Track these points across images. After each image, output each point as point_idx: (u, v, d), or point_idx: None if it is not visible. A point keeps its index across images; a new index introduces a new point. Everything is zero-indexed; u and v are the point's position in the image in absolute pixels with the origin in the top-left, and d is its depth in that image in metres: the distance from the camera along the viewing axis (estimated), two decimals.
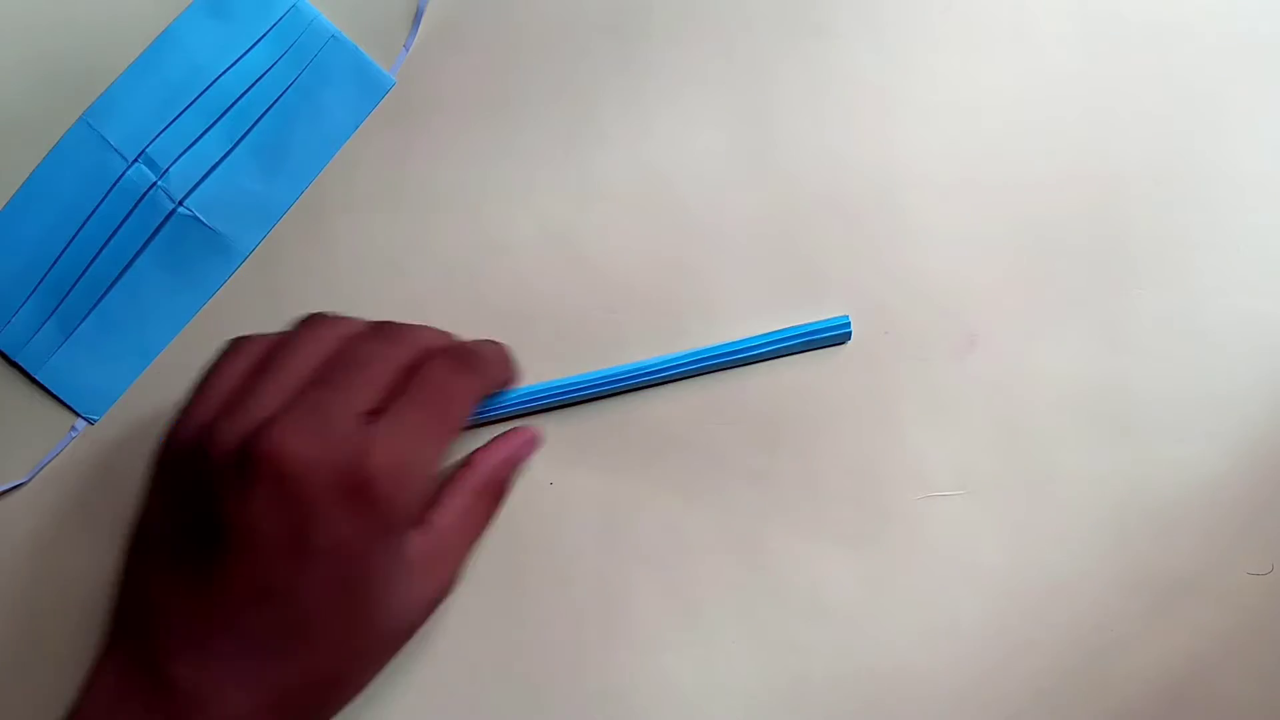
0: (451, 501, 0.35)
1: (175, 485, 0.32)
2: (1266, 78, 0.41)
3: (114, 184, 0.38)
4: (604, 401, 0.39)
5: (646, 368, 0.38)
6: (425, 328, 0.35)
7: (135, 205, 0.38)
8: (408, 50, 0.39)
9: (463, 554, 0.35)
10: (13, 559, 0.39)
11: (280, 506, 0.29)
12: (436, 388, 0.32)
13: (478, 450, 0.37)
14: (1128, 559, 0.40)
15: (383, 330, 0.34)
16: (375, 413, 0.31)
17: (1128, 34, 0.41)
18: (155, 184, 0.38)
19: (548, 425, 0.39)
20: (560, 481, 0.39)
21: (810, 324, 0.38)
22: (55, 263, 0.38)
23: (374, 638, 0.31)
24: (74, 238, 0.38)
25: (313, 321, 0.34)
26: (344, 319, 0.34)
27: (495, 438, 0.37)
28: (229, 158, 0.38)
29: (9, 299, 0.38)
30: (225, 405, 0.32)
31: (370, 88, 0.39)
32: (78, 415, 0.39)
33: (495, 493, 0.36)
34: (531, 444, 0.38)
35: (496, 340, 0.38)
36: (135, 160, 0.38)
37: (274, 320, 0.39)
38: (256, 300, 0.39)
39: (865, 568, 0.39)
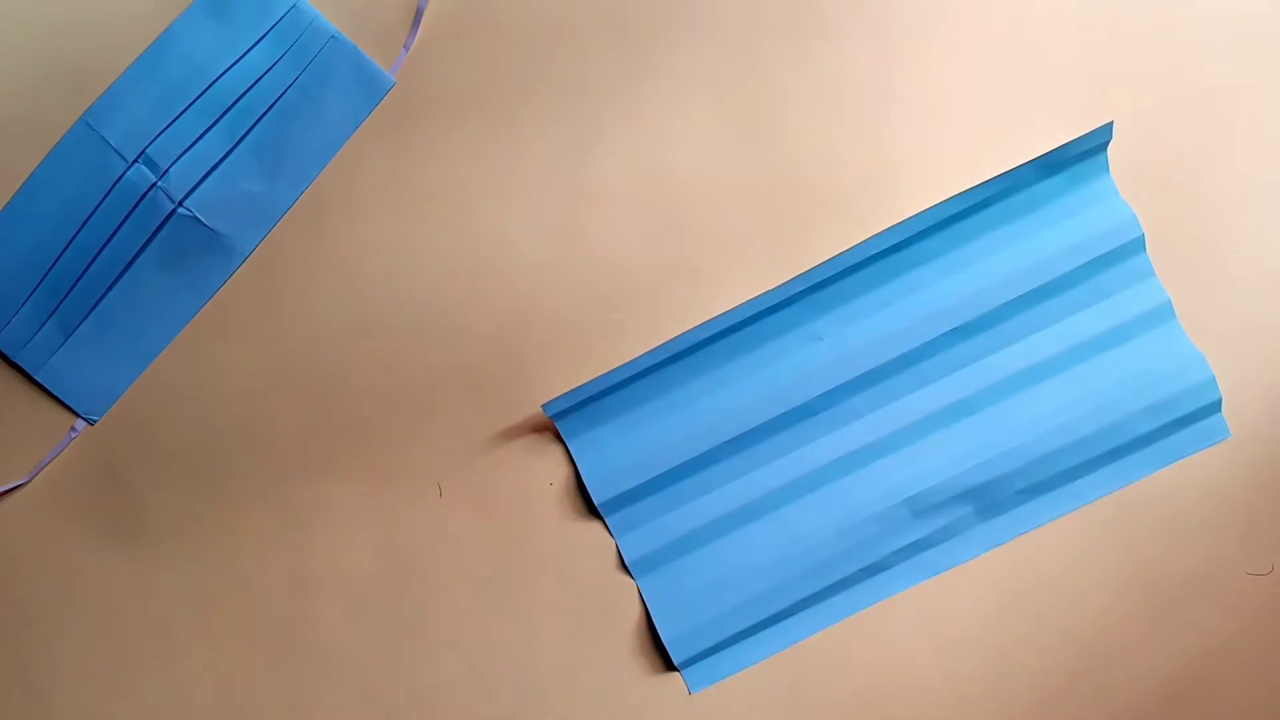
0: None
1: None
2: (1266, 79, 0.41)
3: (114, 184, 0.38)
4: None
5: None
6: None
7: (135, 206, 0.38)
8: (407, 50, 0.39)
9: None
10: (13, 559, 0.39)
11: None
12: None
13: None
14: (1128, 559, 0.40)
15: None
16: None
17: (1126, 35, 0.41)
18: (155, 184, 0.38)
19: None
20: (560, 481, 0.39)
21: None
22: (55, 263, 0.38)
23: None
24: (74, 238, 0.38)
25: None
26: None
27: None
28: (229, 158, 0.38)
29: (9, 299, 0.38)
30: None
31: (370, 88, 0.39)
32: (78, 415, 0.39)
33: None
34: None
35: None
36: (135, 161, 0.38)
37: (273, 321, 0.39)
38: (256, 300, 0.39)
39: None
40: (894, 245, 0.39)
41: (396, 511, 0.39)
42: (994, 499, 0.39)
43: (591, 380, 0.39)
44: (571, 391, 0.39)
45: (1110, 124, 0.39)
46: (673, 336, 0.39)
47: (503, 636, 0.39)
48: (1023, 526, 0.40)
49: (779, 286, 0.39)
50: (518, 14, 0.40)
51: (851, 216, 0.40)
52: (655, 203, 0.40)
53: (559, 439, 0.39)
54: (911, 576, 0.39)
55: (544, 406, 0.39)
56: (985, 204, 0.39)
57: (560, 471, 0.39)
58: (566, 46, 0.40)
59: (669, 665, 0.39)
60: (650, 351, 0.38)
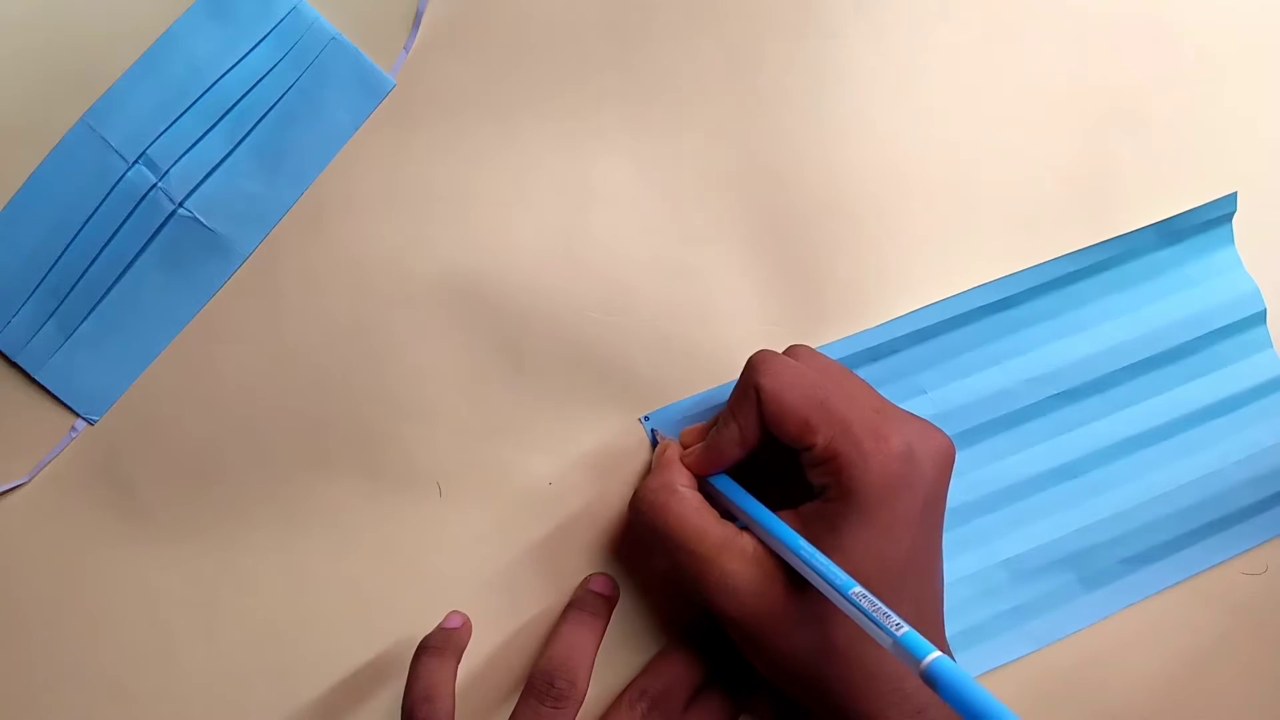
0: None
1: None
2: (1264, 79, 0.41)
3: (114, 185, 0.38)
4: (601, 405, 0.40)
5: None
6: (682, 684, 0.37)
7: (135, 206, 0.38)
8: (408, 52, 0.39)
9: None
10: (13, 559, 0.39)
11: None
12: None
13: None
14: None
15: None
16: None
17: (1125, 37, 0.41)
18: (155, 185, 0.38)
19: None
20: (559, 481, 0.39)
21: None
22: (55, 264, 0.38)
23: None
24: (74, 239, 0.38)
25: (561, 691, 0.35)
26: (585, 673, 0.36)
27: None
28: (229, 159, 0.38)
29: (9, 300, 0.38)
30: None
31: (370, 89, 0.39)
32: (78, 415, 0.39)
33: None
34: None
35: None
36: (135, 161, 0.38)
37: (272, 322, 0.39)
38: (256, 301, 0.39)
39: None
40: (1002, 300, 0.39)
41: (396, 511, 0.39)
42: (1097, 567, 0.39)
43: (693, 397, 0.39)
44: (672, 405, 0.39)
45: (1234, 194, 0.39)
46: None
47: (502, 637, 0.39)
48: (1129, 598, 0.39)
49: (879, 327, 0.39)
50: (518, 15, 0.40)
51: (852, 218, 0.40)
52: (655, 204, 0.40)
53: (558, 438, 0.39)
54: (1016, 649, 0.39)
55: (644, 419, 0.39)
56: (1101, 267, 0.39)
57: (560, 471, 0.39)
58: (566, 47, 0.40)
59: None
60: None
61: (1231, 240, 0.40)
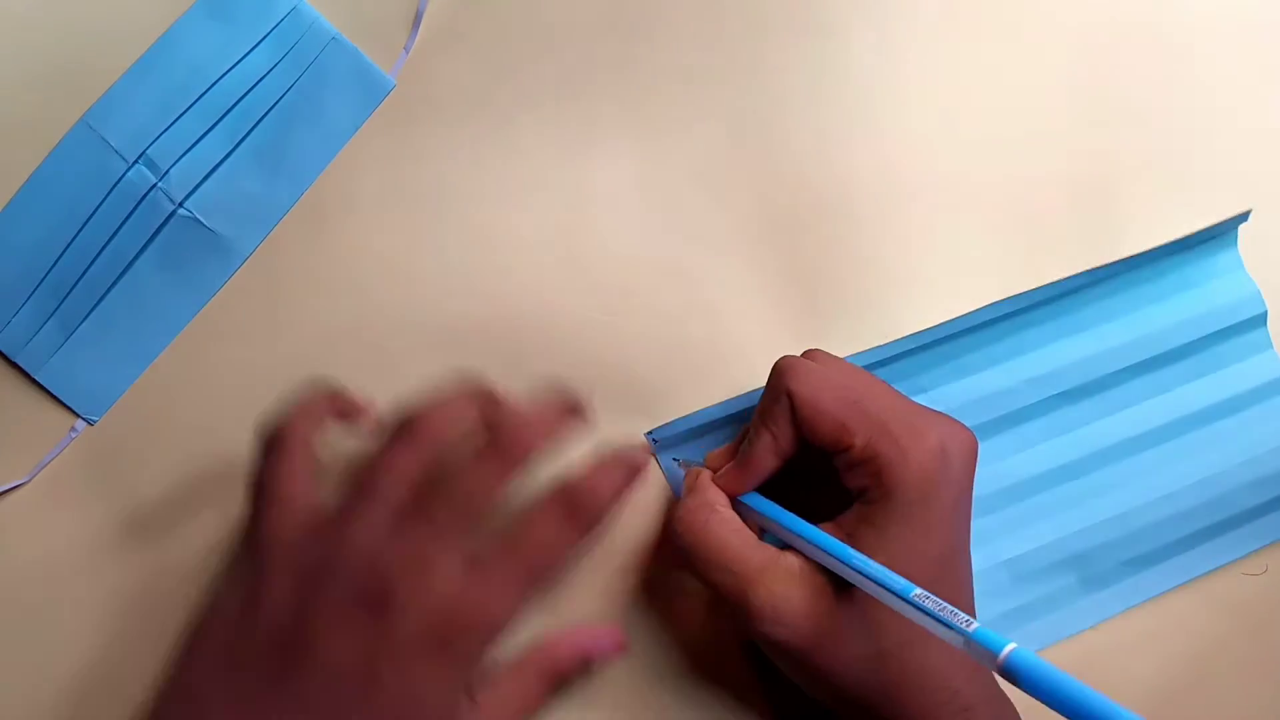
0: (506, 685, 0.32)
1: (258, 585, 0.31)
2: (1265, 79, 0.41)
3: (114, 185, 0.38)
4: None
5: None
6: (532, 426, 0.33)
7: (135, 206, 0.38)
8: (408, 52, 0.39)
9: None
10: (13, 559, 0.39)
11: (367, 642, 0.29)
12: (541, 548, 0.31)
13: (551, 635, 0.34)
14: None
15: (492, 447, 0.32)
16: (474, 558, 0.31)
17: (1125, 37, 0.41)
18: (155, 185, 0.38)
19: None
20: None
21: None
22: (55, 264, 0.38)
23: None
24: (74, 239, 0.38)
25: (415, 426, 0.32)
26: (444, 415, 0.33)
27: (577, 629, 0.35)
28: (229, 159, 0.38)
29: (9, 300, 0.38)
30: (330, 522, 0.31)
31: (370, 89, 0.39)
32: (78, 415, 0.39)
33: (551, 683, 0.33)
34: (612, 646, 0.35)
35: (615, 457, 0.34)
36: (135, 161, 0.38)
37: (272, 322, 0.39)
38: (256, 302, 0.39)
39: None
40: (1006, 315, 0.39)
41: None
42: (1098, 569, 0.39)
43: (697, 411, 0.38)
44: (677, 420, 0.38)
45: (1248, 212, 0.38)
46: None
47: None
48: (1130, 600, 0.39)
49: (886, 345, 0.38)
50: (518, 15, 0.40)
51: (852, 218, 0.40)
52: (655, 204, 0.40)
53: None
54: None
55: (648, 434, 0.39)
56: (1106, 272, 0.39)
57: (560, 473, 0.39)
58: (566, 47, 0.40)
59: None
60: (747, 394, 0.38)
61: (1234, 242, 0.40)
